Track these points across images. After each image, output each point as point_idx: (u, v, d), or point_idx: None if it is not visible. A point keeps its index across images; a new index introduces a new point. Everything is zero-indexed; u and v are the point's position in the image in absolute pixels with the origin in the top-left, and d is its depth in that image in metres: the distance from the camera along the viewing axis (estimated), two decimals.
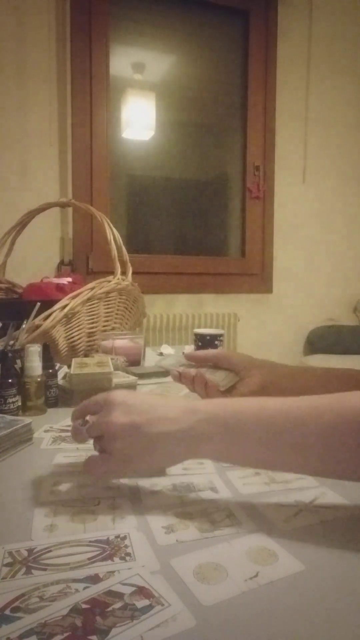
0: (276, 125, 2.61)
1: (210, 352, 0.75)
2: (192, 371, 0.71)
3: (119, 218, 2.43)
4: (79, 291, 1.05)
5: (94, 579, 0.34)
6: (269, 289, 2.67)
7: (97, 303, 1.11)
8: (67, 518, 0.43)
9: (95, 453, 0.49)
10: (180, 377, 0.72)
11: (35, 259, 2.10)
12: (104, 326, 1.15)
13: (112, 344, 1.06)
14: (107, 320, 1.16)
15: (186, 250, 2.56)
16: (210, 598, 0.32)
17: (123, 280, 1.18)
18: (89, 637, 0.28)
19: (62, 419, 0.73)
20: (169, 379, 1.02)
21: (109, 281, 1.14)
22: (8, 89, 2.12)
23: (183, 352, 0.79)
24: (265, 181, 2.61)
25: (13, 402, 0.72)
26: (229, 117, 2.63)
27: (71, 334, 1.05)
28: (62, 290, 1.19)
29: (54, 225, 2.23)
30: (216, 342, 1.10)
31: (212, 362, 0.72)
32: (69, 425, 0.69)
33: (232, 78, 2.60)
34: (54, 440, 0.63)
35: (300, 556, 0.37)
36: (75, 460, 0.57)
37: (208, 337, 1.10)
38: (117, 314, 1.19)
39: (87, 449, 0.60)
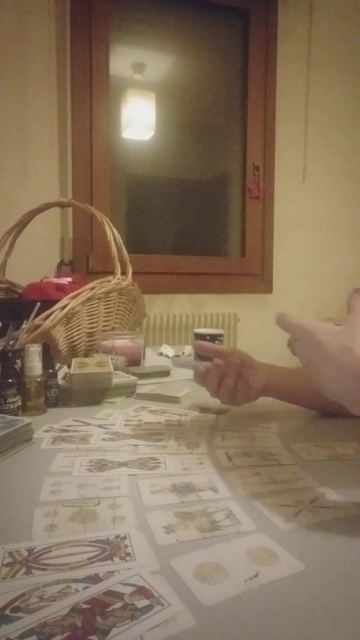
0: (276, 125, 2.61)
1: (216, 345, 0.76)
2: (222, 362, 0.69)
3: (119, 218, 2.43)
4: (79, 291, 1.05)
5: (94, 579, 0.34)
6: (269, 289, 2.67)
7: (97, 303, 1.11)
8: (67, 518, 0.43)
9: None
10: (206, 374, 0.70)
11: (35, 259, 2.10)
12: (104, 326, 1.15)
13: (112, 344, 1.06)
14: (107, 320, 1.16)
15: (186, 250, 2.56)
16: (210, 598, 0.32)
17: (123, 280, 1.18)
18: (89, 637, 0.28)
19: (62, 419, 0.73)
20: (169, 378, 1.02)
21: (109, 281, 1.14)
22: (8, 88, 2.12)
23: (195, 341, 0.78)
24: (265, 181, 2.61)
25: (13, 402, 0.72)
26: (229, 117, 2.63)
27: (71, 334, 1.05)
28: (62, 290, 1.19)
29: (54, 225, 2.23)
30: (216, 342, 1.10)
31: (220, 356, 0.71)
32: (69, 425, 0.70)
33: (232, 78, 2.60)
34: (54, 440, 0.63)
35: (300, 556, 0.37)
36: None
37: (208, 337, 1.10)
38: (117, 314, 1.19)
39: (86, 449, 0.60)
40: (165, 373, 1.04)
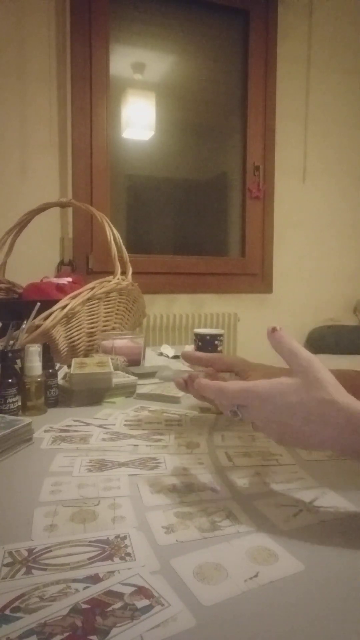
0: (276, 125, 2.61)
1: (205, 354, 0.74)
2: (201, 374, 0.69)
3: (119, 218, 2.43)
4: (79, 291, 1.05)
5: (94, 579, 0.34)
6: (269, 289, 2.67)
7: (97, 303, 1.11)
8: (67, 518, 0.43)
9: None
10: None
11: (35, 259, 2.10)
12: (104, 326, 1.15)
13: (112, 344, 1.06)
14: (107, 320, 1.16)
15: (186, 250, 2.56)
16: (210, 598, 0.32)
17: (123, 280, 1.18)
18: (89, 637, 0.28)
19: (62, 419, 0.73)
20: None
21: (109, 281, 1.14)
22: (8, 88, 2.12)
23: (182, 353, 0.78)
24: (265, 181, 2.61)
25: (13, 402, 0.72)
26: (229, 117, 2.63)
27: (71, 334, 1.05)
28: (62, 290, 1.19)
29: (54, 225, 2.23)
30: (216, 342, 1.10)
31: (206, 365, 0.72)
32: (69, 425, 0.70)
33: (232, 78, 2.60)
34: (54, 440, 0.63)
35: (300, 556, 0.37)
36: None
37: (208, 337, 1.10)
38: (117, 314, 1.19)
39: (86, 449, 0.60)
40: None
